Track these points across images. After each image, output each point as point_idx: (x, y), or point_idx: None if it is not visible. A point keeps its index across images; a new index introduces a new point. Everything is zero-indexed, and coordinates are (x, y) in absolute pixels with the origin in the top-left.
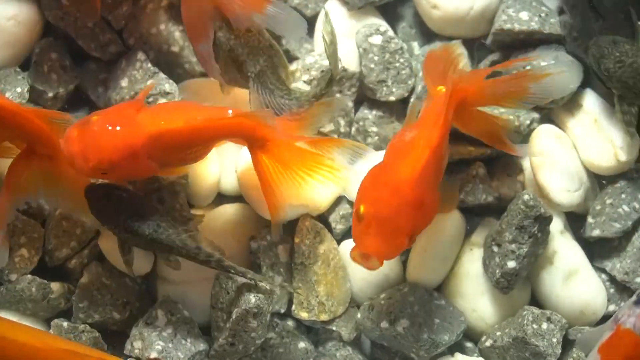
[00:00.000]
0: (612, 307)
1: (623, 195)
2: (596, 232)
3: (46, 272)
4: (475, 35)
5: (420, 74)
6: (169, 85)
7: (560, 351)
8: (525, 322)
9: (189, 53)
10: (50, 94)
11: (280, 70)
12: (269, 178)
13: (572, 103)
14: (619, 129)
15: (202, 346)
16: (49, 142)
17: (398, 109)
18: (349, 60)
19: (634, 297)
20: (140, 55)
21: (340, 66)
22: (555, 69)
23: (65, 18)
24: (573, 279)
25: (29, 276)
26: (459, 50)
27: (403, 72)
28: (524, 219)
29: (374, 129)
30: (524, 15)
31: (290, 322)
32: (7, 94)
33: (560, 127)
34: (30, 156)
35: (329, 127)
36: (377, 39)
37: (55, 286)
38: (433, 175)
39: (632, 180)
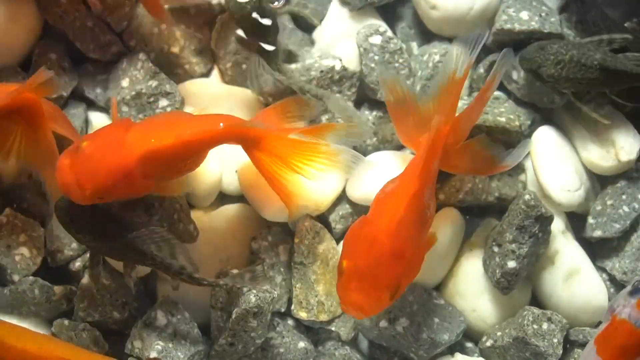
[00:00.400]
0: None
1: (624, 197)
2: (597, 233)
3: (48, 273)
4: None
5: (420, 73)
6: (169, 86)
7: (561, 351)
8: (525, 322)
9: (189, 54)
10: (53, 95)
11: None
12: (273, 172)
13: (572, 103)
14: (621, 129)
15: (201, 346)
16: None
17: None
18: (349, 60)
19: (628, 287)
20: (142, 56)
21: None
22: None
23: (65, 17)
24: (574, 279)
25: (31, 278)
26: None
27: (402, 72)
28: (525, 219)
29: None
30: (525, 15)
31: (290, 322)
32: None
33: (560, 127)
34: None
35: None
36: (376, 39)
37: (57, 288)
38: (414, 226)
39: (632, 180)
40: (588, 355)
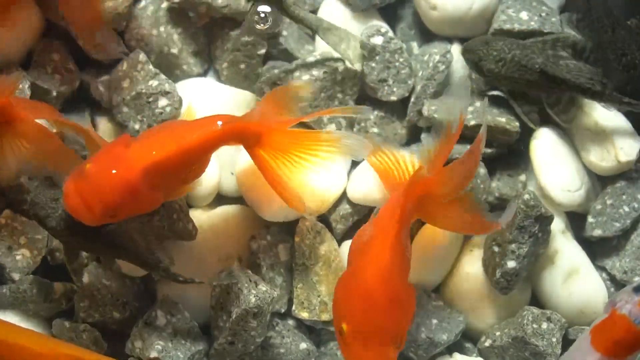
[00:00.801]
0: None
1: (624, 197)
2: (597, 232)
3: (47, 271)
4: (473, 35)
5: (420, 73)
6: (168, 85)
7: (560, 351)
8: (525, 322)
9: (188, 54)
10: (54, 93)
11: None
12: (274, 171)
13: (572, 104)
14: (620, 130)
15: (201, 345)
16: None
17: (398, 109)
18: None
19: (634, 284)
20: (142, 57)
21: None
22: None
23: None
24: (573, 279)
25: (31, 276)
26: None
27: (403, 71)
28: (525, 219)
29: (375, 129)
30: (524, 15)
31: (290, 322)
32: None
33: (561, 128)
34: None
35: (330, 128)
36: (378, 40)
37: (57, 286)
38: (401, 270)
39: (632, 181)
40: (582, 344)
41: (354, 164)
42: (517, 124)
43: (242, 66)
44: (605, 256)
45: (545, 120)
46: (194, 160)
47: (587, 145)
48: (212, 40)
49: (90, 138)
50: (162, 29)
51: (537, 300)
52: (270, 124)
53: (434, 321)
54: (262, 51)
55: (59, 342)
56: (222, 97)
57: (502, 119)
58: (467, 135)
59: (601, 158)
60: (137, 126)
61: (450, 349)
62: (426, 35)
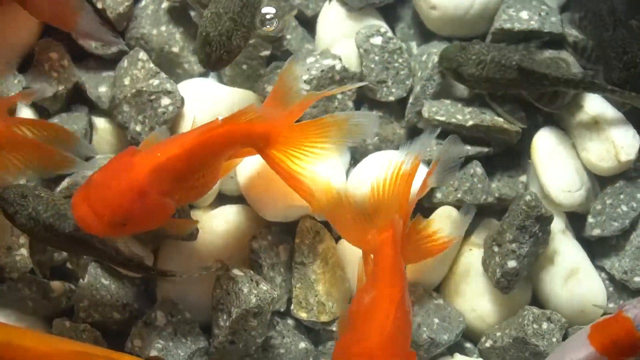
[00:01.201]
0: (611, 306)
1: (622, 196)
2: (597, 232)
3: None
4: (473, 34)
5: (420, 73)
6: (170, 85)
7: None
8: (525, 322)
9: (189, 53)
10: (50, 93)
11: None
12: (289, 168)
13: (573, 104)
14: (620, 129)
15: (202, 344)
16: None
17: (397, 110)
18: (350, 61)
19: None
20: (142, 55)
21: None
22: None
23: None
24: (573, 279)
25: (29, 275)
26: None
27: (402, 72)
28: (526, 219)
29: (374, 129)
30: (524, 14)
31: (290, 322)
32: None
33: (561, 128)
34: None
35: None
36: (377, 40)
37: (55, 285)
38: (403, 333)
39: (631, 180)
40: (578, 336)
41: (354, 163)
42: (524, 126)
43: (244, 67)
44: (604, 256)
45: (545, 120)
46: (200, 163)
47: (587, 145)
48: None
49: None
50: (162, 28)
51: (536, 300)
52: (276, 121)
53: (435, 320)
54: (266, 53)
55: (63, 340)
56: (224, 98)
57: (501, 119)
58: (466, 135)
59: (601, 158)
60: (138, 128)
61: (451, 349)
62: (425, 35)
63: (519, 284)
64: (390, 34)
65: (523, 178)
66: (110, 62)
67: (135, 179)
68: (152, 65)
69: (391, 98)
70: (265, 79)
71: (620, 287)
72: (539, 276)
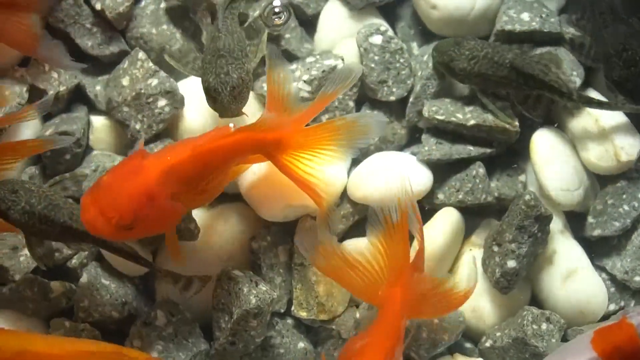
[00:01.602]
0: (612, 307)
1: (624, 196)
2: (597, 232)
3: (47, 271)
4: (474, 36)
5: (420, 73)
6: (169, 84)
7: None
8: (525, 322)
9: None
10: (51, 93)
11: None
12: (301, 172)
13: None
14: (621, 129)
15: (203, 346)
16: None
17: (397, 110)
18: (351, 60)
19: None
20: (142, 55)
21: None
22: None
23: (66, 20)
24: (572, 279)
25: (30, 275)
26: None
27: (403, 72)
28: (525, 219)
29: (383, 130)
30: (525, 16)
31: (289, 322)
32: (6, 93)
33: (560, 127)
34: None
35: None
36: (377, 39)
37: (55, 285)
38: None
39: (633, 180)
40: (581, 340)
41: (354, 162)
42: (517, 123)
43: None
44: (605, 256)
45: (546, 119)
46: (210, 168)
47: (587, 145)
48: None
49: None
50: (163, 27)
51: (536, 300)
52: (286, 127)
53: (435, 320)
54: (266, 53)
55: (72, 341)
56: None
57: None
58: (467, 135)
59: (601, 157)
60: (137, 126)
61: (451, 349)
62: (427, 35)
63: (519, 283)
64: (390, 33)
65: (522, 177)
66: (109, 63)
67: (144, 182)
68: (151, 64)
69: (392, 98)
70: (263, 77)
71: (621, 288)
72: (538, 276)
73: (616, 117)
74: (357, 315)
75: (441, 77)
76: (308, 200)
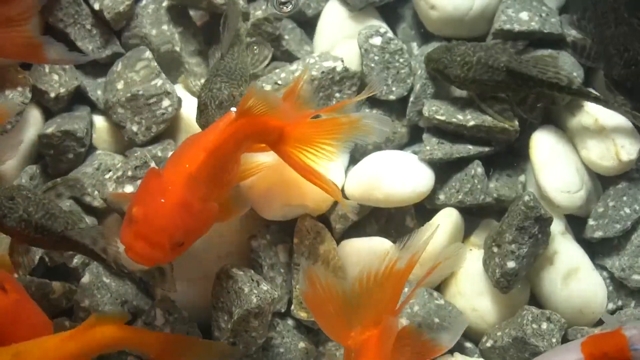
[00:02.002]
0: (611, 306)
1: (625, 198)
2: (598, 234)
3: (47, 271)
4: (473, 35)
5: (419, 72)
6: (169, 85)
7: None
8: (525, 322)
9: (187, 54)
10: (52, 94)
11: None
12: (304, 163)
13: (572, 103)
14: (621, 128)
15: None
16: None
17: (397, 108)
18: (350, 61)
19: None
20: (148, 54)
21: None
22: None
23: (65, 20)
24: (572, 279)
25: (29, 276)
26: None
27: (402, 71)
28: (525, 220)
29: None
30: (524, 15)
31: (290, 322)
32: (7, 92)
33: (560, 128)
34: None
35: None
36: (377, 40)
37: (56, 286)
38: None
39: (633, 181)
40: (573, 343)
41: (352, 161)
42: (516, 123)
43: None
44: (605, 255)
45: (543, 119)
46: (225, 160)
47: (588, 144)
48: (212, 40)
49: None
50: (163, 27)
51: (535, 299)
52: (290, 118)
53: (436, 320)
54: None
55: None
56: None
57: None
58: (467, 135)
59: (602, 156)
60: (134, 128)
61: (451, 349)
62: (426, 35)
63: (519, 283)
64: (390, 34)
65: (522, 178)
66: (105, 65)
67: (175, 195)
68: (155, 64)
69: (392, 97)
70: (263, 78)
71: (618, 286)
72: (538, 277)
73: (615, 117)
74: None
75: (438, 81)
76: (307, 200)
